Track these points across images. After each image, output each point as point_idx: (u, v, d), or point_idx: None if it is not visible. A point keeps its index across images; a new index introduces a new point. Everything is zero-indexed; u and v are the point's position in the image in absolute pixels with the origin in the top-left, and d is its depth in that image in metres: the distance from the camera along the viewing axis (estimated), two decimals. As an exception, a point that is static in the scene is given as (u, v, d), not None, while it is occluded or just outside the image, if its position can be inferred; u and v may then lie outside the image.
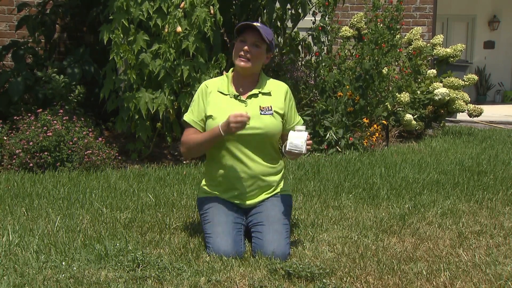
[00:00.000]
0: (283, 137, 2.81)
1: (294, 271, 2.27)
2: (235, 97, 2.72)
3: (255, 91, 2.73)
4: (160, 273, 2.28)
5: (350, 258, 2.53)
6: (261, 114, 2.69)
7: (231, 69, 2.81)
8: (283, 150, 2.63)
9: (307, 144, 2.54)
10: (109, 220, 3.11)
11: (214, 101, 2.71)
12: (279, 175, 2.81)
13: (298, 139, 2.51)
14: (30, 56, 5.89)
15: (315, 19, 5.98)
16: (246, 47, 2.66)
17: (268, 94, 2.75)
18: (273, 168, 2.76)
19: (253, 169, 2.69)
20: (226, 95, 2.73)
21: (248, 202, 2.74)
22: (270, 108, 2.71)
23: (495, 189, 3.93)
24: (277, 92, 2.77)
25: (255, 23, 2.67)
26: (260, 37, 2.66)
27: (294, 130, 2.55)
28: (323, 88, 5.83)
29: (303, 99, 5.91)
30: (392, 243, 2.78)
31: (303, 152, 2.53)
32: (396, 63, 6.36)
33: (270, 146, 2.76)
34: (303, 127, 2.56)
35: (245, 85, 2.75)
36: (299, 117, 2.88)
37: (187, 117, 2.76)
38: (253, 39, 2.67)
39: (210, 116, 2.69)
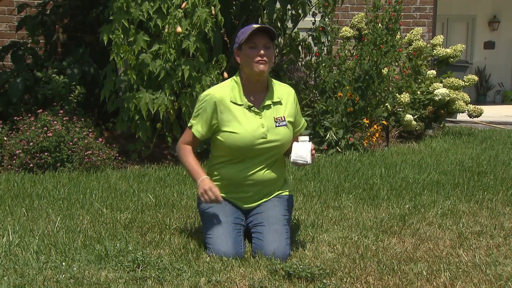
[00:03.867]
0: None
1: (294, 272, 2.27)
2: (249, 108, 2.66)
3: (267, 102, 2.69)
4: (160, 274, 2.28)
5: (350, 258, 2.53)
6: (276, 126, 2.66)
7: (237, 73, 2.73)
8: (290, 160, 2.63)
9: (312, 154, 2.53)
10: (109, 220, 3.11)
11: (230, 115, 2.63)
12: (281, 179, 2.81)
13: (303, 149, 2.51)
14: (30, 56, 5.89)
15: (314, 20, 5.98)
16: (262, 51, 2.58)
17: (279, 103, 2.71)
18: (278, 175, 2.76)
19: (260, 177, 2.68)
20: (240, 105, 2.66)
21: (248, 206, 2.74)
22: (283, 119, 2.68)
23: (495, 190, 3.93)
24: (286, 99, 2.74)
25: (258, 26, 2.62)
26: (270, 38, 2.62)
27: (298, 141, 2.53)
28: (323, 88, 5.83)
29: (303, 99, 5.91)
30: (392, 243, 2.78)
31: (309, 163, 2.52)
32: (396, 63, 6.35)
33: (280, 155, 2.76)
34: (307, 137, 2.54)
35: (256, 92, 2.69)
36: (303, 119, 2.88)
37: (194, 129, 2.66)
38: (264, 42, 2.60)
39: (231, 132, 2.61)
